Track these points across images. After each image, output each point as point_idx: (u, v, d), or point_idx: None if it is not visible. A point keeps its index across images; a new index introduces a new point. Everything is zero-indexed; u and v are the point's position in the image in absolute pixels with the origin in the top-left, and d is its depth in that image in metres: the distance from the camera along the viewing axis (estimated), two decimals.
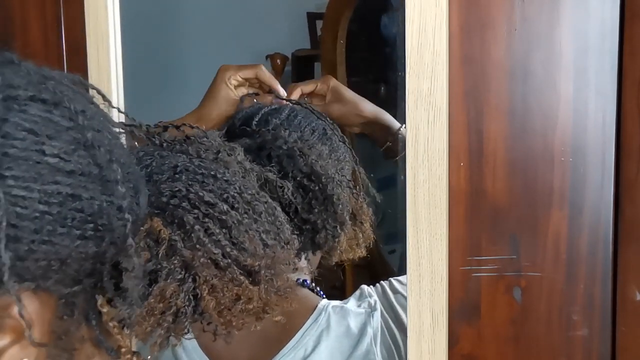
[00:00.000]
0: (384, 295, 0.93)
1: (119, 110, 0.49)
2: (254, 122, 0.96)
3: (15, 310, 0.43)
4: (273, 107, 0.99)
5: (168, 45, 2.33)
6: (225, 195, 0.64)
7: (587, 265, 0.69)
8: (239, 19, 2.36)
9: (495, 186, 0.70)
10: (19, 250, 0.42)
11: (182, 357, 0.90)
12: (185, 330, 0.61)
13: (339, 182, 0.89)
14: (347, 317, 0.89)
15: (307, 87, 1.10)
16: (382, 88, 1.50)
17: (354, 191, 0.95)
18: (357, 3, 1.76)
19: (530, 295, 0.70)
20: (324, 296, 0.95)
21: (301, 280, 0.94)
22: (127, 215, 0.49)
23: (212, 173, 0.65)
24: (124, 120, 0.59)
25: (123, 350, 0.54)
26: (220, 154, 0.70)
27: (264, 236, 0.65)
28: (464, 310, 0.72)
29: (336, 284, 1.19)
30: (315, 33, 2.27)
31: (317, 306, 0.91)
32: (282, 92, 1.07)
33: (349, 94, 1.10)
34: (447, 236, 0.70)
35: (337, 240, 0.88)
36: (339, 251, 0.91)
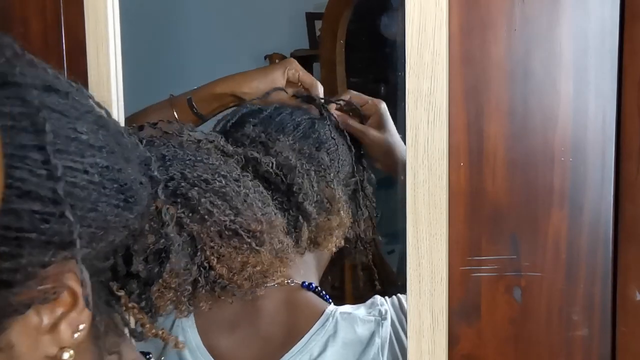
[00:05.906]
0: (399, 307, 0.90)
1: (99, 106, 0.52)
2: (229, 124, 0.96)
3: (68, 278, 0.45)
4: (253, 108, 0.99)
5: (168, 45, 2.33)
6: (216, 174, 0.73)
7: (587, 265, 0.69)
8: (238, 19, 2.36)
9: (495, 186, 0.70)
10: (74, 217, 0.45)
11: (187, 358, 0.89)
12: (205, 298, 0.70)
13: (302, 173, 0.89)
14: (355, 324, 0.87)
15: (359, 98, 1.06)
16: (382, 88, 1.50)
17: (328, 180, 0.94)
18: (357, 3, 1.76)
19: (530, 295, 0.70)
20: (331, 300, 0.93)
21: (307, 284, 0.93)
22: (148, 190, 0.52)
23: (199, 158, 0.74)
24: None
25: (147, 326, 0.57)
26: (201, 143, 0.78)
27: (259, 204, 0.76)
28: (464, 310, 0.72)
29: (335, 284, 1.18)
30: (314, 33, 2.27)
31: (324, 311, 0.89)
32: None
33: (393, 130, 1.05)
34: (447, 236, 0.70)
35: (299, 230, 0.88)
36: (305, 240, 0.90)
